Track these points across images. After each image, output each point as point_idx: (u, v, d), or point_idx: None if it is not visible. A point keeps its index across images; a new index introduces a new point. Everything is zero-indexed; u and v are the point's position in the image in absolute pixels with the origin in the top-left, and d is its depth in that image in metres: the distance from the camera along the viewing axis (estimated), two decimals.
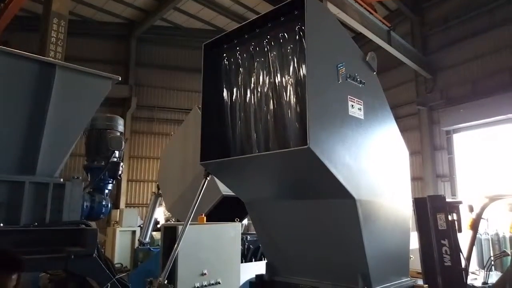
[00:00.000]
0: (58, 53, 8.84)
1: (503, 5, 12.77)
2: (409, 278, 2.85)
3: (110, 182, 5.90)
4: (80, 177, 4.54)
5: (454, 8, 14.25)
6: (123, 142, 5.68)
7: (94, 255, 3.95)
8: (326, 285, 2.60)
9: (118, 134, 5.87)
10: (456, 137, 14.18)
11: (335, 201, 2.42)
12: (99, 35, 16.98)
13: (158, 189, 9.41)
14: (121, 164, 6.05)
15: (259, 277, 3.01)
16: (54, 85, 3.98)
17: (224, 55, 2.96)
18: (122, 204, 16.09)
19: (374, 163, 2.61)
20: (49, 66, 4.03)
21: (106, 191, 5.84)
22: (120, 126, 6.02)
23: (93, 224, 4.61)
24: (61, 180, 4.32)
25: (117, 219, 12.81)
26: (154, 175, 16.85)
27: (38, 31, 9.68)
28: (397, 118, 3.09)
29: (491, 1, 12.99)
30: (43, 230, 3.92)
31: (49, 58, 6.70)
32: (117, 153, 5.71)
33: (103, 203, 5.62)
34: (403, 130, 3.09)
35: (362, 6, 11.19)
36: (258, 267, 4.25)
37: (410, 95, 15.38)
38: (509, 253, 5.26)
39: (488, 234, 9.36)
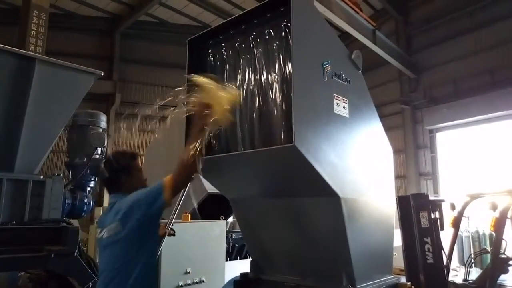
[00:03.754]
0: (38, 47, 8.61)
1: (485, 7, 13.02)
2: (392, 276, 2.87)
3: (92, 179, 5.78)
4: (61, 174, 4.44)
5: (437, 9, 14.46)
6: (106, 139, 5.57)
7: (75, 254, 3.86)
8: (311, 283, 2.60)
9: (101, 130, 5.75)
10: (439, 136, 14.43)
11: (320, 199, 2.42)
12: (82, 29, 16.61)
13: None
14: (104, 161, 5.93)
15: (243, 275, 3.00)
16: (34, 80, 3.87)
17: (210, 51, 2.92)
18: (105, 202, 15.83)
19: (358, 161, 2.62)
20: (29, 60, 3.91)
21: (88, 188, 5.72)
22: (103, 122, 5.90)
23: (74, 222, 4.52)
24: (41, 177, 4.21)
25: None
26: None
27: (17, 24, 9.41)
28: (381, 117, 3.12)
29: (473, 3, 13.22)
30: (21, 228, 3.81)
31: (28, 52, 6.50)
32: (99, 149, 5.60)
33: (85, 200, 5.51)
34: (386, 128, 3.13)
35: (348, 5, 11.25)
36: (243, 265, 4.24)
37: (394, 94, 15.57)
38: (489, 251, 5.37)
39: (468, 232, 9.56)
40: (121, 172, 2.54)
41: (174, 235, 3.10)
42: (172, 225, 3.10)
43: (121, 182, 2.52)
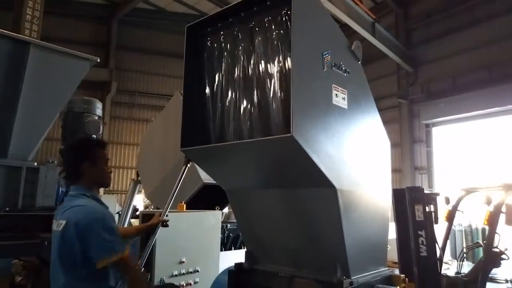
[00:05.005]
0: (33, 32, 8.48)
1: (484, 2, 12.97)
2: (386, 268, 2.88)
3: None
4: (56, 162, 4.41)
5: (437, 4, 14.40)
6: (101, 126, 5.53)
7: None
8: (305, 274, 2.60)
9: (96, 118, 5.71)
10: (435, 131, 14.47)
11: (316, 190, 2.40)
12: (79, 15, 16.42)
13: (138, 175, 9.25)
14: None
15: (238, 265, 2.99)
16: (28, 65, 3.82)
17: (208, 38, 2.87)
18: (100, 191, 15.79)
19: (356, 153, 2.61)
20: (23, 44, 3.85)
21: None
22: (98, 109, 5.86)
23: None
24: (35, 164, 4.17)
25: None
26: (133, 162, 16.60)
27: (12, 9, 9.25)
28: (378, 110, 3.11)
29: None
30: (15, 215, 3.79)
31: (23, 36, 6.40)
32: (94, 137, 5.55)
33: None
34: (383, 122, 3.10)
35: None
36: (237, 256, 4.25)
37: (391, 88, 15.57)
38: (482, 244, 5.42)
39: (461, 226, 9.65)
40: (83, 161, 2.27)
41: (167, 225, 3.07)
42: (166, 215, 3.08)
43: (81, 172, 2.28)
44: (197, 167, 4.00)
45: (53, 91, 4.11)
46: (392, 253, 4.54)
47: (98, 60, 4.36)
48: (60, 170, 4.54)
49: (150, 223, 3.06)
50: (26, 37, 6.22)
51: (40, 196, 4.07)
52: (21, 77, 3.80)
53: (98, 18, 16.93)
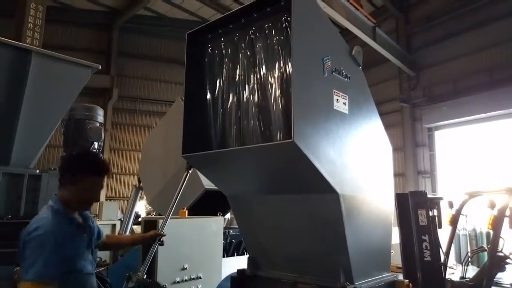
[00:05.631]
0: (35, 40, 8.55)
1: (485, 5, 12.99)
2: (390, 273, 2.86)
3: None
4: (58, 169, 4.41)
5: (437, 7, 14.43)
6: (103, 133, 5.54)
7: None
8: (308, 280, 2.58)
9: (98, 124, 5.72)
10: (437, 134, 14.44)
11: (319, 195, 2.39)
12: (80, 23, 16.52)
13: (139, 182, 9.25)
14: (100, 155, 5.90)
15: (240, 271, 2.98)
16: (30, 73, 3.83)
17: (209, 45, 2.88)
18: (102, 197, 15.81)
19: (358, 158, 2.60)
20: (25, 52, 3.86)
21: None
22: (100, 116, 5.87)
23: None
24: (37, 171, 4.17)
25: (97, 212, 12.58)
26: (135, 168, 16.61)
27: (14, 17, 9.32)
28: (380, 115, 3.09)
29: (474, 1, 13.19)
30: (17, 223, 3.78)
31: (24, 44, 6.44)
32: (96, 144, 5.57)
33: None
34: (385, 126, 3.10)
35: (348, 1, 11.20)
36: (239, 262, 4.23)
37: (393, 92, 15.56)
38: (486, 249, 5.38)
39: (465, 230, 9.58)
40: (67, 178, 2.18)
41: (162, 243, 3.05)
42: (164, 234, 3.05)
43: (62, 184, 2.20)
44: (199, 173, 3.99)
45: (55, 98, 4.12)
46: (396, 258, 4.52)
47: (100, 67, 4.38)
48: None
49: (147, 235, 3.06)
50: (28, 45, 6.26)
51: (42, 203, 4.06)
52: (23, 84, 3.81)
53: (99, 25, 17.03)
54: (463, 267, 5.63)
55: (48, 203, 2.21)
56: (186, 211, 5.12)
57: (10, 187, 3.90)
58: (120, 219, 11.64)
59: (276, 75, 2.44)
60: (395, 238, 4.20)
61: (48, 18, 9.39)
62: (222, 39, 2.80)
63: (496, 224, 5.02)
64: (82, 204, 2.25)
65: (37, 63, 3.86)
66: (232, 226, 6.46)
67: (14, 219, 3.80)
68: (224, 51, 2.78)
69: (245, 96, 2.61)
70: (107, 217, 12.03)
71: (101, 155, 2.73)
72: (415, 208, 4.63)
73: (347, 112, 2.50)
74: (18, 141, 3.90)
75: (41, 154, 4.42)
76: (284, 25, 2.41)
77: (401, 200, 4.80)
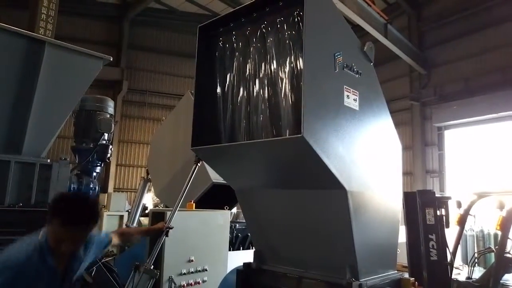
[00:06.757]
0: (48, 31, 8.62)
1: (498, 4, 12.76)
2: (396, 271, 2.86)
3: (99, 164, 5.82)
4: (68, 159, 4.46)
5: (450, 5, 14.21)
6: (113, 125, 5.59)
7: None
8: (314, 275, 2.59)
9: (108, 116, 5.77)
10: (447, 134, 14.29)
11: (326, 191, 2.40)
12: (92, 15, 16.60)
13: (148, 174, 9.33)
14: (110, 147, 5.96)
15: (246, 265, 3.00)
16: (43, 63, 3.88)
17: (220, 39, 2.88)
18: (110, 188, 15.96)
19: (367, 155, 2.59)
20: (38, 43, 3.91)
21: (94, 173, 5.76)
22: (110, 108, 5.92)
23: None
24: (48, 160, 4.23)
25: (105, 203, 12.71)
26: (143, 161, 16.71)
27: (27, 8, 9.41)
28: (390, 112, 3.09)
29: (487, 0, 12.96)
30: (28, 211, 3.85)
31: (38, 35, 6.51)
32: (106, 135, 5.62)
33: (91, 185, 5.55)
34: (395, 124, 3.06)
35: None
36: (245, 256, 4.25)
37: (403, 90, 15.41)
38: (494, 250, 5.33)
39: (473, 231, 9.50)
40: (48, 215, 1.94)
41: (167, 236, 3.10)
42: (172, 227, 3.10)
43: (47, 221, 1.96)
44: (207, 166, 4.01)
45: (67, 89, 4.17)
46: (402, 257, 4.50)
47: (111, 59, 4.41)
48: (72, 168, 4.56)
49: (153, 228, 3.09)
50: (42, 36, 6.33)
51: (53, 192, 4.12)
52: (36, 75, 3.85)
53: (110, 18, 17.10)
54: (470, 267, 5.59)
55: (41, 233, 2.01)
56: (194, 204, 5.15)
57: (22, 176, 3.97)
58: (127, 211, 11.75)
59: (286, 70, 2.44)
60: (402, 236, 4.19)
61: (61, 9, 9.45)
62: (234, 33, 2.80)
63: (505, 225, 4.97)
64: (60, 247, 1.95)
65: (50, 54, 3.90)
66: (238, 220, 6.50)
67: (25, 207, 3.86)
68: (235, 45, 2.78)
69: (255, 91, 2.61)
70: (115, 208, 12.15)
71: (95, 200, 2.41)
72: (422, 207, 4.61)
73: (357, 108, 2.49)
74: (30, 130, 3.96)
75: (52, 144, 4.48)
76: (296, 19, 2.41)
77: (409, 199, 4.77)
